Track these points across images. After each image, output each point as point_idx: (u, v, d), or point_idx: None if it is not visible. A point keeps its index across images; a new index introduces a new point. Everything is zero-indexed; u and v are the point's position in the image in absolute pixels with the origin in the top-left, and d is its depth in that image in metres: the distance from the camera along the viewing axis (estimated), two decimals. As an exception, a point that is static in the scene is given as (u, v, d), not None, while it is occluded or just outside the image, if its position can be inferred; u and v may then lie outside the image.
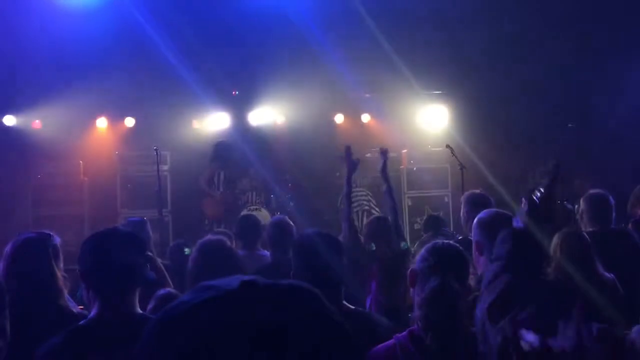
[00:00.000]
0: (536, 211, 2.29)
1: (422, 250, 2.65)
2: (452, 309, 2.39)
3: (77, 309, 3.25)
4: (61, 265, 3.21)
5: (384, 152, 5.54)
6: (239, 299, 0.78)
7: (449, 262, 2.54)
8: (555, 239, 3.57)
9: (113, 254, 2.53)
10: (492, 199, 4.75)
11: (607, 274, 3.72)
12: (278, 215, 6.35)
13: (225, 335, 0.75)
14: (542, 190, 2.39)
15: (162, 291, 3.49)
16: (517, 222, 2.32)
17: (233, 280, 0.81)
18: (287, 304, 0.79)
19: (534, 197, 2.35)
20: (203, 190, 9.57)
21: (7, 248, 3.16)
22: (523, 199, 2.40)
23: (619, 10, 9.30)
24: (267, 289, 0.80)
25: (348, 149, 5.23)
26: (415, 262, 2.64)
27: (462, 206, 4.88)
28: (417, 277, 2.57)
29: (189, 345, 0.74)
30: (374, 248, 4.98)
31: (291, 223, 5.14)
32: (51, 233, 3.27)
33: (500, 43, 9.21)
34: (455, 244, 2.76)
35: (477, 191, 5.20)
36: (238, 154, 9.64)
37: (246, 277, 0.82)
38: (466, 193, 5.25)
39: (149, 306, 3.34)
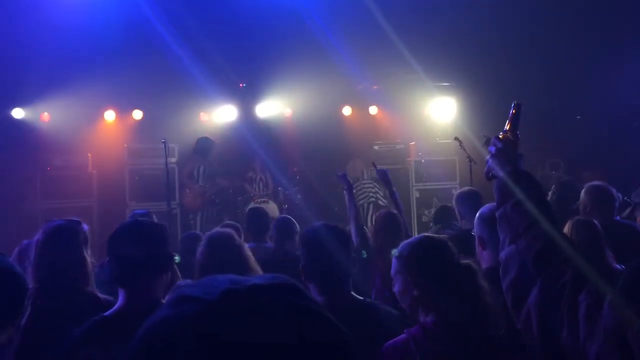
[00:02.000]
0: (501, 152, 2.25)
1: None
2: None
3: (103, 296, 3.25)
4: (89, 252, 3.23)
5: (386, 181, 5.91)
6: (220, 312, 0.77)
7: None
8: (567, 226, 3.55)
9: (134, 245, 2.55)
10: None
11: (616, 265, 3.70)
12: (283, 215, 6.48)
13: (209, 350, 0.74)
14: (504, 130, 2.36)
15: (181, 282, 3.49)
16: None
17: (217, 288, 0.80)
18: (270, 312, 0.78)
19: (496, 140, 2.31)
20: (183, 183, 9.79)
21: (38, 235, 3.16)
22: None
23: (625, 2, 9.23)
24: (248, 296, 0.79)
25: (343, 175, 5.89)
26: None
27: (456, 205, 5.16)
28: None
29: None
30: (365, 255, 4.99)
31: (294, 222, 5.36)
32: (80, 220, 3.28)
33: (509, 36, 9.15)
34: (443, 237, 2.73)
35: (466, 188, 5.68)
36: (216, 150, 9.99)
37: (229, 285, 0.80)
38: (456, 192, 5.66)
39: (167, 297, 3.31)
